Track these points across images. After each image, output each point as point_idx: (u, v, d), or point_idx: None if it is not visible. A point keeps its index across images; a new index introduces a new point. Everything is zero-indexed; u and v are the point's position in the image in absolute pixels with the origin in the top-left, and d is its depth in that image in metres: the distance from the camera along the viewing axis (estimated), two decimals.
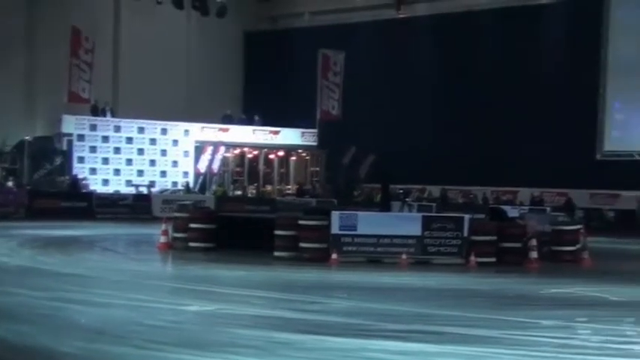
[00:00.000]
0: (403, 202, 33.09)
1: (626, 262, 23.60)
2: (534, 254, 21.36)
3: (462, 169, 40.97)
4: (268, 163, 44.01)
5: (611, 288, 17.30)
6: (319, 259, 20.54)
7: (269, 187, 43.48)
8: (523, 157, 40.07)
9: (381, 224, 21.41)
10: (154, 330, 11.16)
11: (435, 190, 41.06)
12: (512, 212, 26.06)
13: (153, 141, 41.06)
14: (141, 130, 40.85)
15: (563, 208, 34.07)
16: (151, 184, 39.98)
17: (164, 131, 41.36)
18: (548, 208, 31.66)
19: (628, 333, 12.00)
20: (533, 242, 21.68)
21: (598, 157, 40.37)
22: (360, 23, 45.82)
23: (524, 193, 38.05)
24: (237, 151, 43.07)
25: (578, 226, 24.34)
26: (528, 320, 12.92)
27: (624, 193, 38.74)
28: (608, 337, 11.45)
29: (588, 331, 11.84)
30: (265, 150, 43.50)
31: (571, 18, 40.60)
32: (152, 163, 41.01)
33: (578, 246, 23.05)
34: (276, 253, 21.09)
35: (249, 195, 41.68)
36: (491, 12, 42.58)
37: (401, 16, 46.34)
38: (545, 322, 12.73)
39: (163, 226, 22.88)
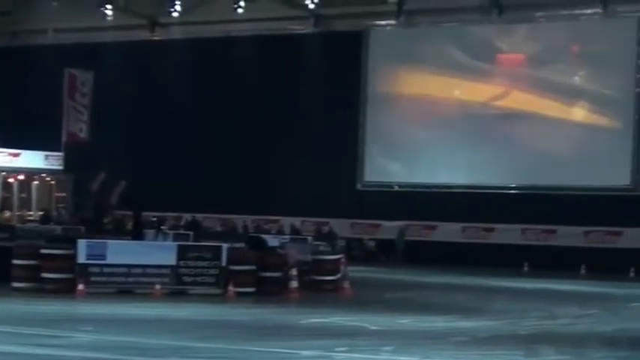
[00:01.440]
0: (158, 230, 32.65)
1: (386, 292, 24.49)
2: (295, 284, 21.77)
3: (221, 196, 41.11)
4: (7, 187, 42.12)
5: (370, 317, 17.89)
6: (64, 290, 19.89)
7: (8, 214, 41.50)
8: (284, 185, 40.81)
9: (132, 253, 21.09)
10: None
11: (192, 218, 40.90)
12: (272, 241, 26.33)
13: None
14: None
15: (324, 238, 34.95)
16: None
17: None
18: (309, 238, 32.32)
19: None
20: (294, 272, 22.10)
21: (359, 187, 41.89)
22: (111, 43, 45.02)
23: (286, 222, 38.71)
24: None
25: (339, 256, 25.10)
26: (287, 351, 13.08)
27: (385, 223, 40.45)
28: None
29: None
30: (4, 174, 41.60)
31: (332, 49, 41.85)
32: None
33: (338, 275, 23.74)
34: (15, 284, 20.20)
35: None
36: (250, 39, 43.26)
37: (155, 38, 46.11)
38: (304, 353, 12.93)
39: None
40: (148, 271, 20.77)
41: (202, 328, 15.74)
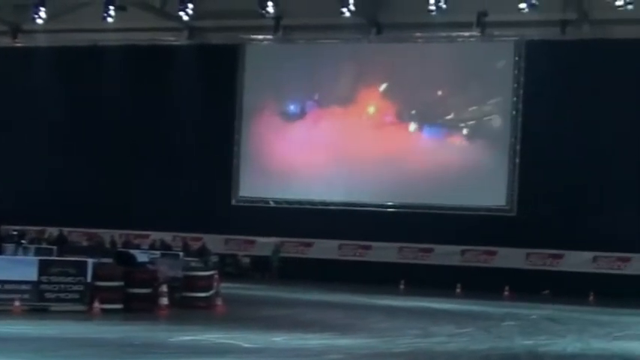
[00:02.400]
0: (18, 245, 31.72)
1: (260, 309, 24.36)
2: (165, 300, 21.52)
3: (87, 210, 40.20)
4: None
5: (244, 335, 17.77)
6: None
7: None
8: (156, 199, 40.28)
9: None
10: None
11: (57, 232, 39.91)
12: (142, 257, 25.91)
13: None
14: None
15: (197, 254, 34.63)
16: None
17: None
18: (181, 253, 31.96)
19: None
20: (164, 288, 21.82)
21: (233, 202, 41.68)
22: None
23: (157, 237, 38.14)
24: None
25: (212, 272, 24.88)
26: None
27: (259, 239, 40.35)
28: None
29: None
30: None
31: (207, 62, 41.65)
32: None
33: (211, 292, 23.57)
34: None
35: None
36: (121, 49, 42.53)
37: (18, 44, 44.88)
38: None
39: None
40: (7, 287, 20.17)
41: (67, 347, 15.31)
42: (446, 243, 37.88)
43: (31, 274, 20.43)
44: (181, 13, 38.23)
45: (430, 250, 38.50)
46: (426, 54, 39.83)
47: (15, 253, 29.31)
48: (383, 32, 40.33)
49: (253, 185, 41.46)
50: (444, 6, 35.16)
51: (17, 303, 19.88)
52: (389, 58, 40.15)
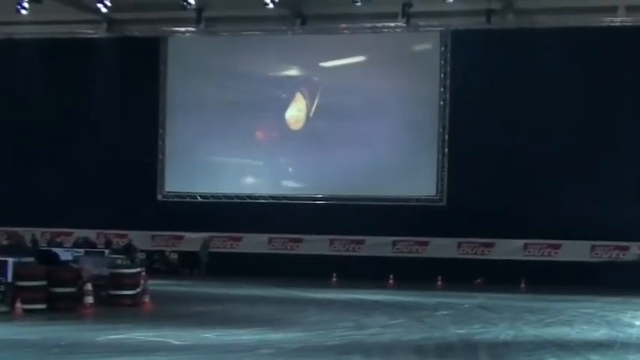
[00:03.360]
0: None
1: (189, 305, 24.18)
2: (90, 299, 21.31)
3: (6, 207, 39.36)
4: None
5: (173, 332, 17.59)
6: None
7: None
8: (79, 196, 39.65)
9: None
10: None
11: None
12: (65, 255, 25.51)
13: None
14: None
15: (123, 251, 34.18)
16: None
17: None
18: (106, 251, 31.53)
19: None
20: (89, 287, 21.64)
21: (159, 197, 41.26)
22: None
23: (80, 235, 37.57)
24: None
25: (139, 269, 24.61)
26: None
27: (187, 235, 40.03)
28: None
29: None
30: None
31: (128, 55, 41.00)
32: None
33: (138, 290, 23.34)
34: None
35: None
36: (36, 42, 41.39)
37: None
38: None
39: None
40: None
41: None
42: (377, 234, 38.03)
43: None
44: (99, 5, 37.57)
45: (361, 242, 38.62)
46: (351, 45, 39.87)
47: None
48: (307, 24, 40.27)
49: (179, 180, 41.10)
50: None
51: None
52: (314, 50, 40.16)
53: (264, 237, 39.34)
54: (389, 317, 21.72)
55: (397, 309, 24.19)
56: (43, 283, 20.96)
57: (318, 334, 18.01)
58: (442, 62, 38.68)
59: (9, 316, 19.80)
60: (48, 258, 23.23)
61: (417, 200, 38.47)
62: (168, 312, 22.09)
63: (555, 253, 36.88)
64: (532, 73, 36.88)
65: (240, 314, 22.25)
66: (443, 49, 38.69)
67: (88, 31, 42.27)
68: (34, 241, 36.38)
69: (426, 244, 38.16)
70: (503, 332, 18.98)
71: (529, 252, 37.09)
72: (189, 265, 39.45)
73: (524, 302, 27.13)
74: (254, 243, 39.26)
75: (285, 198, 39.57)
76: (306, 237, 38.99)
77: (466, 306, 25.33)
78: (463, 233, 37.45)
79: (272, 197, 39.70)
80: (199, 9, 39.29)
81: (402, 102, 39.04)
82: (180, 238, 40.22)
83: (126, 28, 41.93)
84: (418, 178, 38.76)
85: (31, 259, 23.29)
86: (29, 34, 41.53)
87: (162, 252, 39.89)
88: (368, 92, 39.24)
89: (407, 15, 37.93)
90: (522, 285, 33.79)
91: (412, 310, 23.93)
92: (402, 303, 26.34)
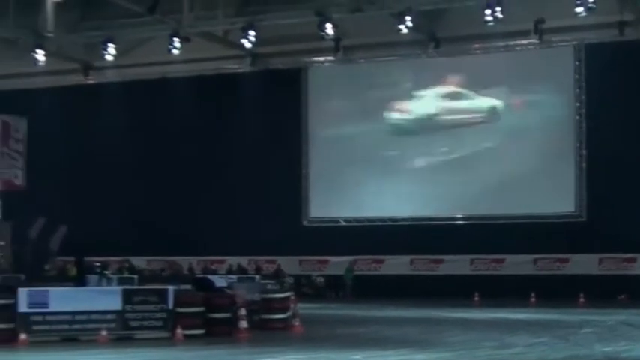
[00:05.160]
0: (101, 275, 32.32)
1: (337, 328, 24.43)
2: (244, 323, 21.63)
3: (165, 238, 40.88)
4: None
5: (323, 354, 17.88)
6: (5, 340, 19.52)
7: None
8: (229, 225, 40.70)
9: (76, 299, 20.77)
10: None
11: (139, 262, 40.62)
12: (219, 282, 26.24)
13: None
14: None
15: (273, 276, 34.91)
16: None
17: None
18: (257, 277, 32.26)
19: None
20: (243, 311, 21.96)
21: (305, 223, 41.97)
22: (43, 89, 44.66)
23: (232, 262, 38.60)
24: None
25: (288, 294, 24.99)
26: None
27: (332, 259, 40.54)
28: None
29: None
30: None
31: (270, 87, 42.02)
32: None
33: (288, 313, 23.66)
34: None
35: None
36: (187, 79, 43.16)
37: (90, 82, 45.93)
38: None
39: None
40: (93, 317, 20.49)
41: None
42: (517, 252, 37.64)
43: (115, 303, 20.78)
44: (244, 41, 38.63)
45: (502, 261, 38.30)
46: (485, 64, 39.70)
47: (99, 284, 29.83)
48: (441, 46, 40.35)
49: (323, 205, 41.66)
50: (501, 16, 34.92)
51: (104, 332, 20.26)
52: (448, 71, 40.18)
53: (406, 258, 39.48)
54: (532, 336, 21.44)
55: (540, 327, 23.87)
56: (201, 309, 21.41)
57: (463, 354, 17.99)
58: (576, 76, 38.12)
59: (170, 341, 20.40)
60: (204, 285, 23.72)
61: (557, 217, 37.87)
62: (318, 334, 22.33)
63: None
64: None
65: (386, 335, 22.34)
66: (577, 63, 38.13)
67: (234, 66, 43.56)
68: (191, 269, 37.60)
69: (566, 260, 37.55)
70: None
71: None
72: (335, 288, 39.96)
73: None
74: (396, 264, 39.45)
75: (425, 219, 39.58)
76: (446, 257, 38.93)
77: (610, 323, 24.76)
78: (604, 249, 36.70)
79: (413, 219, 39.78)
80: (337, 38, 39.91)
81: (538, 118, 38.56)
82: (326, 262, 40.80)
83: (268, 61, 42.97)
84: (557, 195, 38.18)
85: (188, 287, 24.11)
86: (181, 73, 43.00)
87: (309, 276, 40.53)
88: (504, 111, 38.99)
89: (539, 31, 37.61)
90: None
91: (555, 328, 23.56)
92: (545, 321, 25.97)
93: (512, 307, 30.41)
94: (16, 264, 36.34)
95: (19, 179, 42.07)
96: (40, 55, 40.52)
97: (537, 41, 38.24)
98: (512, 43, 39.02)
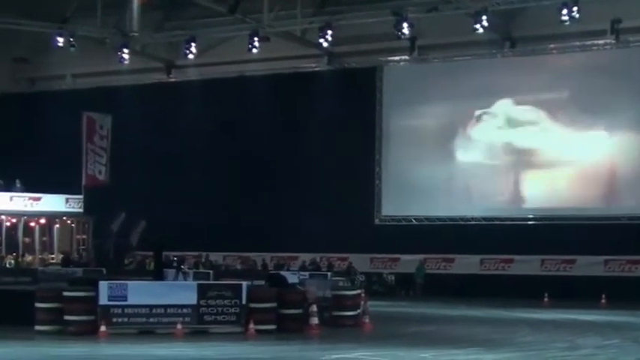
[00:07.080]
0: (178, 270, 32.67)
1: (406, 326, 24.33)
2: (315, 320, 21.68)
3: (240, 234, 41.17)
4: (28, 231, 42.24)
5: (392, 352, 17.81)
6: (86, 332, 19.94)
7: (30, 257, 41.67)
8: (302, 221, 40.80)
9: (153, 293, 21.08)
10: None
11: (214, 257, 41.03)
12: (292, 278, 26.31)
13: None
14: None
15: (344, 273, 34.90)
16: None
17: None
18: (328, 274, 32.28)
19: None
20: (314, 308, 22.00)
21: (376, 221, 41.84)
22: (128, 86, 45.48)
23: (305, 259, 38.71)
24: None
25: (359, 291, 24.98)
26: None
27: (403, 257, 40.37)
28: None
29: None
30: (25, 217, 41.73)
31: (346, 86, 42.05)
32: None
33: (359, 310, 23.64)
34: (38, 327, 20.27)
35: (7, 266, 39.70)
36: (265, 78, 43.45)
37: (172, 80, 46.52)
38: None
39: None
40: (170, 310, 20.77)
41: None
42: (588, 253, 36.99)
43: (191, 298, 21.00)
44: (321, 40, 38.64)
45: (573, 262, 37.68)
46: (560, 64, 39.04)
47: (176, 278, 30.17)
48: (517, 46, 39.84)
49: (395, 204, 41.50)
50: (577, 15, 34.19)
51: (179, 326, 20.49)
52: (524, 71, 39.61)
53: (476, 258, 39.09)
54: (603, 338, 21.10)
55: (610, 329, 23.44)
56: (274, 304, 21.49)
57: (532, 355, 17.78)
58: None
59: (243, 336, 20.51)
60: (277, 281, 23.79)
61: (629, 218, 37.12)
62: (387, 332, 22.26)
63: None
64: None
65: (455, 334, 22.20)
66: None
67: (311, 65, 43.67)
68: (264, 265, 37.82)
69: (638, 262, 36.76)
70: None
71: None
72: (405, 286, 39.75)
73: None
74: (466, 264, 39.11)
75: (496, 219, 39.17)
76: (517, 257, 38.46)
77: None
78: None
79: (484, 219, 39.40)
80: (413, 38, 39.71)
81: (615, 118, 37.78)
82: (397, 260, 40.60)
83: (344, 60, 42.98)
84: (629, 196, 37.43)
85: (262, 283, 24.25)
86: (258, 71, 43.27)
87: (380, 274, 40.40)
88: (577, 112, 38.35)
89: (616, 31, 36.88)
90: None
91: (626, 330, 23.14)
92: (615, 323, 25.50)
93: (583, 308, 29.92)
94: (97, 258, 36.98)
95: (102, 175, 42.84)
96: (126, 54, 41.23)
97: (614, 41, 37.49)
98: (588, 42, 38.30)
